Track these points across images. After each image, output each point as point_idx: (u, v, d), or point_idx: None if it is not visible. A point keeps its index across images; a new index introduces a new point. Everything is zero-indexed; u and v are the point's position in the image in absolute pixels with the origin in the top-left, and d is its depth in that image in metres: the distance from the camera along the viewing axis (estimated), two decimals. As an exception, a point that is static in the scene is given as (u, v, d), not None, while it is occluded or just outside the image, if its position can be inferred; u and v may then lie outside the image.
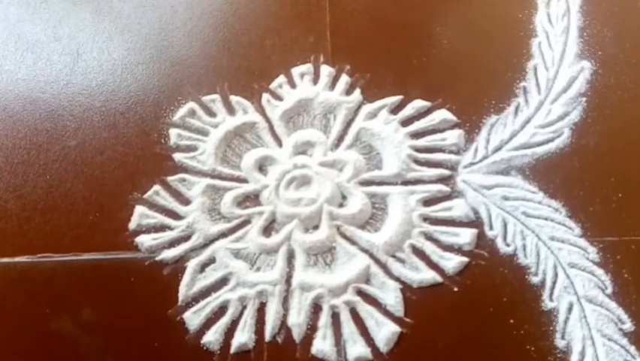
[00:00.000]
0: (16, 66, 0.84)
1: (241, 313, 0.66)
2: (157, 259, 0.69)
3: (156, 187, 0.73)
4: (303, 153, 0.76)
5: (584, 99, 0.77)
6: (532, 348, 0.63)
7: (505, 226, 0.69)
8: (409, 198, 0.71)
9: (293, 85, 0.81)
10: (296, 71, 0.82)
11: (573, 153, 0.73)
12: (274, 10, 0.89)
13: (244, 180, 0.74)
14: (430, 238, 0.69)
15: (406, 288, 0.67)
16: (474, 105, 0.77)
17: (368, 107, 0.78)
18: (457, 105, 0.77)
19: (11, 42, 0.86)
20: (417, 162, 0.74)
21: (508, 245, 0.68)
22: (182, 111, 0.79)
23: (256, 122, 0.78)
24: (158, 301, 0.67)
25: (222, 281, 0.68)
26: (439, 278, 0.67)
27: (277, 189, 0.72)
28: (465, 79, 0.80)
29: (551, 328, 0.63)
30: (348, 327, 0.65)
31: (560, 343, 0.62)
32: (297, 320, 0.65)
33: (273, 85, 0.81)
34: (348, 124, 0.78)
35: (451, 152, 0.75)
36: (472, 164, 0.73)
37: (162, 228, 0.71)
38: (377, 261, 0.68)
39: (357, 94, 0.79)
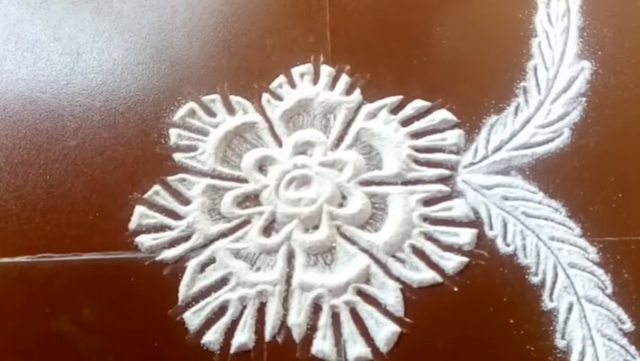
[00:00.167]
0: (16, 66, 0.84)
1: (241, 313, 0.66)
2: (157, 259, 0.69)
3: (156, 187, 0.73)
4: (303, 153, 0.76)
5: (584, 99, 0.77)
6: (532, 348, 0.63)
7: (505, 226, 0.69)
8: (409, 198, 0.71)
9: (293, 85, 0.81)
10: (296, 71, 0.82)
11: (573, 153, 0.73)
12: (274, 10, 0.89)
13: (244, 180, 0.74)
14: (430, 238, 0.69)
15: (406, 288, 0.67)
16: (474, 105, 0.77)
17: (368, 107, 0.78)
18: (457, 105, 0.77)
19: (11, 42, 0.86)
20: (417, 162, 0.74)
21: (508, 245, 0.68)
22: (182, 111, 0.79)
23: (256, 122, 0.78)
24: (158, 301, 0.67)
25: (222, 281, 0.68)
26: (439, 278, 0.67)
27: (277, 189, 0.72)
28: (465, 79, 0.80)
29: (551, 328, 0.63)
30: (348, 327, 0.65)
31: (560, 343, 0.62)
32: (297, 319, 0.65)
33: (273, 85, 0.81)
34: (348, 124, 0.78)
35: (451, 152, 0.75)
36: (472, 164, 0.73)
37: (162, 228, 0.71)
38: (377, 261, 0.68)
39: (357, 94, 0.79)
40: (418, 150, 0.75)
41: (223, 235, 0.70)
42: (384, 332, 0.64)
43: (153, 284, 0.67)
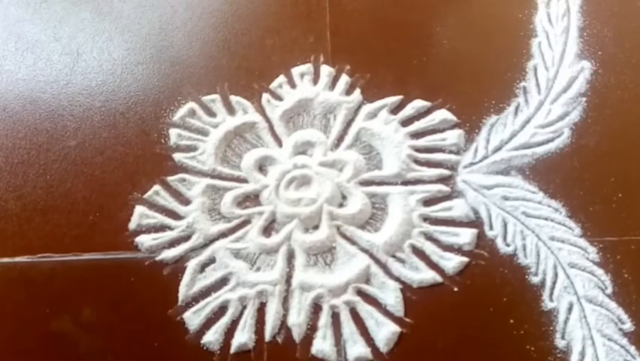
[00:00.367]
0: (16, 66, 0.84)
1: (241, 314, 0.66)
2: (157, 259, 0.69)
3: (156, 187, 0.73)
4: (303, 153, 0.76)
5: (584, 99, 0.77)
6: (532, 348, 0.63)
7: (505, 225, 0.69)
8: (409, 198, 0.71)
9: (293, 85, 0.81)
10: (296, 71, 0.82)
11: (573, 153, 0.73)
12: (274, 10, 0.89)
13: (244, 180, 0.74)
14: (430, 238, 0.69)
15: (406, 288, 0.67)
16: (474, 105, 0.77)
17: (368, 107, 0.78)
18: (457, 105, 0.77)
19: (11, 42, 0.86)
20: (417, 162, 0.74)
21: (508, 245, 0.68)
22: (182, 111, 0.79)
23: (256, 122, 0.78)
24: (158, 301, 0.67)
25: (222, 281, 0.68)
26: (439, 278, 0.67)
27: (277, 189, 0.72)
28: (465, 79, 0.80)
29: (551, 328, 0.63)
30: (348, 327, 0.65)
31: (560, 343, 0.62)
32: (297, 319, 0.65)
33: (273, 85, 0.81)
34: (348, 124, 0.78)
35: (451, 152, 0.75)
36: (472, 164, 0.73)
37: (162, 228, 0.71)
38: (377, 261, 0.68)
39: (357, 94, 0.79)
40: (418, 149, 0.75)
41: (223, 235, 0.70)
42: (384, 332, 0.64)
43: (153, 284, 0.67)
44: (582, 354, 0.62)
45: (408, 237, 0.69)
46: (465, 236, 0.69)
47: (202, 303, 0.66)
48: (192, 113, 0.79)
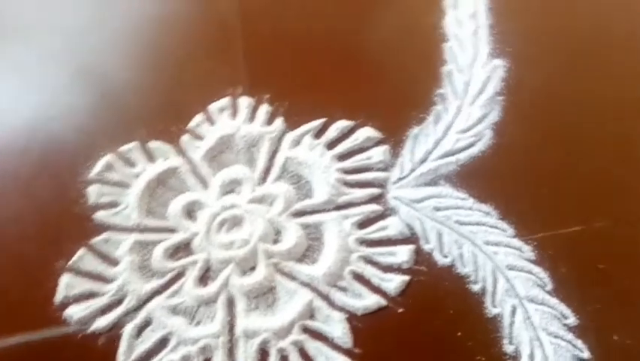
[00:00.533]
0: None
1: (187, 372, 0.64)
2: (90, 330, 0.65)
3: (80, 252, 0.70)
4: (230, 192, 0.74)
5: (501, 98, 0.78)
6: (483, 358, 0.62)
7: (440, 237, 0.69)
8: (344, 223, 0.70)
9: (212, 122, 0.79)
10: (214, 106, 0.80)
11: (496, 153, 0.74)
12: (184, 46, 0.87)
13: (173, 230, 0.71)
14: (369, 261, 0.69)
15: (352, 317, 0.65)
16: (396, 119, 0.77)
17: (291, 135, 0.77)
18: (380, 121, 0.77)
19: None
20: (346, 184, 0.73)
21: (445, 256, 0.68)
22: (99, 166, 0.76)
23: (178, 167, 0.75)
24: (97, 375, 0.63)
25: (162, 343, 0.65)
26: (382, 301, 0.66)
27: (208, 235, 0.70)
28: (384, 93, 0.80)
29: (498, 334, 0.63)
30: (299, 367, 0.63)
31: (508, 348, 0.62)
32: (245, 369, 0.63)
33: (192, 125, 0.79)
34: (273, 155, 0.76)
35: (378, 169, 0.74)
36: (400, 179, 0.73)
37: (92, 295, 0.68)
38: (319, 293, 0.67)
39: (278, 122, 0.78)
40: (347, 171, 0.74)
41: (157, 292, 0.68)
42: (335, 366, 0.63)
43: (88, 358, 0.64)
44: (531, 357, 0.62)
45: (347, 263, 0.68)
46: (402, 254, 0.68)
47: (144, 368, 0.64)
48: (110, 166, 0.76)
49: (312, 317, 0.66)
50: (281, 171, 0.75)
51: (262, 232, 0.70)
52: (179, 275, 0.69)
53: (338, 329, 0.65)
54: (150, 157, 0.76)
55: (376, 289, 0.67)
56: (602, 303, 0.64)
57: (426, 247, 0.69)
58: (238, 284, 0.67)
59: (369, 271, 0.68)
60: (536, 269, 0.66)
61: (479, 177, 0.72)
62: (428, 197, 0.71)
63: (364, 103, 0.78)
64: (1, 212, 0.73)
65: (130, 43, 0.87)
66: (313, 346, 0.64)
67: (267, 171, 0.75)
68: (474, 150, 0.74)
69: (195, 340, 0.64)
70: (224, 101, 0.80)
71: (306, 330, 0.65)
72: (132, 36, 0.90)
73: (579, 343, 0.62)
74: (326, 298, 0.67)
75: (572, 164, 0.73)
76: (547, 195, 0.71)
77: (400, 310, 0.66)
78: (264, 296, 0.67)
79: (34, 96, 0.83)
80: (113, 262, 0.69)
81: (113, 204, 0.73)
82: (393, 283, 0.67)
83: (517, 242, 0.68)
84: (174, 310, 0.66)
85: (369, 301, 0.66)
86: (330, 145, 0.76)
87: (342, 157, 0.76)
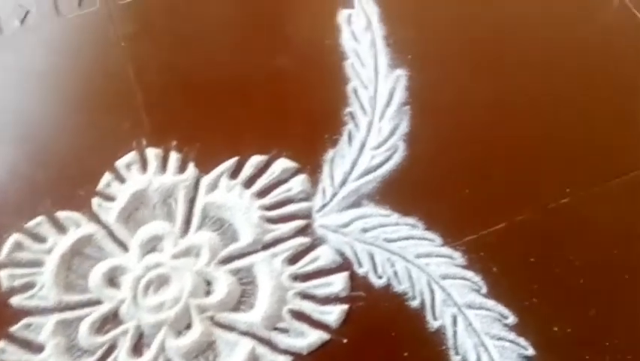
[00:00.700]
0: None
1: None
2: None
3: (1, 344, 0.65)
4: (153, 251, 0.71)
5: (408, 107, 0.78)
6: (432, 374, 0.62)
7: (372, 258, 0.69)
8: (274, 262, 0.69)
9: (122, 180, 0.76)
10: (121, 163, 0.77)
11: (412, 164, 0.74)
12: (81, 105, 0.83)
13: (97, 302, 0.68)
14: (305, 296, 0.67)
15: (297, 358, 0.64)
16: (309, 145, 0.76)
17: (207, 179, 0.75)
18: (293, 150, 0.76)
19: None
20: (270, 220, 0.72)
21: (380, 277, 0.67)
22: (6, 248, 0.71)
23: (92, 234, 0.72)
24: None
25: None
26: (325, 336, 0.65)
27: (135, 300, 0.67)
28: (293, 121, 0.79)
29: (444, 347, 0.63)
30: (252, 421, 0.61)
31: (455, 359, 0.63)
32: None
33: (100, 186, 0.75)
34: (192, 203, 0.74)
35: (300, 200, 0.73)
36: (324, 206, 0.72)
37: (20, 389, 0.63)
38: (261, 340, 0.65)
39: (191, 169, 0.76)
40: (268, 207, 0.73)
41: (90, 372, 0.64)
42: (288, 412, 0.61)
43: None
44: (478, 362, 0.62)
45: (284, 303, 0.67)
46: (338, 283, 0.67)
47: None
48: (19, 246, 0.71)
49: (256, 365, 0.64)
50: (202, 219, 0.73)
51: (192, 286, 0.67)
52: (111, 348, 0.65)
53: (285, 373, 0.63)
54: (60, 228, 0.72)
55: (318, 324, 0.66)
56: (537, 296, 0.65)
57: (360, 271, 0.68)
58: (175, 347, 0.64)
59: (308, 307, 0.67)
60: (469, 274, 0.67)
61: (399, 191, 0.72)
62: (354, 219, 0.71)
63: (275, 134, 0.77)
64: None
65: (22, 119, 0.82)
66: (263, 396, 0.62)
67: (187, 221, 0.73)
68: (390, 165, 0.74)
69: (138, 417, 0.61)
70: (131, 155, 0.77)
71: (253, 381, 0.63)
72: (17, 93, 0.84)
73: (521, 340, 0.63)
74: (268, 343, 0.65)
75: (486, 163, 0.74)
76: (469, 196, 0.71)
77: (345, 341, 0.65)
78: (204, 354, 0.65)
79: None
80: (38, 348, 0.65)
81: (28, 286, 0.69)
82: (333, 314, 0.66)
83: (446, 250, 0.69)
84: (111, 389, 0.63)
85: (312, 337, 0.65)
86: (248, 183, 0.75)
87: (262, 193, 0.74)
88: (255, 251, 0.70)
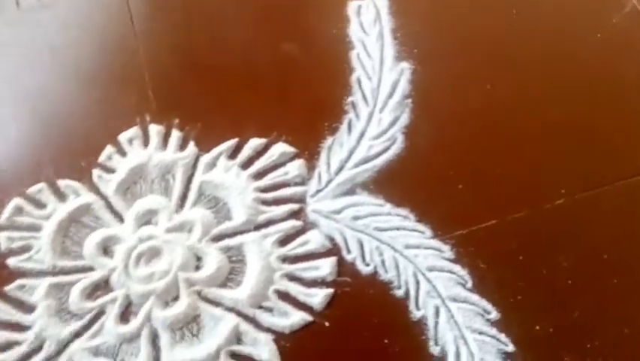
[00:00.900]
0: None
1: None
2: (7, 385, 0.62)
3: (-6, 303, 0.67)
4: (147, 223, 0.72)
5: (410, 100, 0.79)
6: (411, 363, 0.63)
7: (361, 245, 0.69)
8: (264, 243, 0.70)
9: (123, 153, 0.77)
10: (123, 137, 0.78)
11: (409, 156, 0.74)
12: (88, 77, 0.85)
13: (90, 269, 0.69)
14: (292, 278, 0.68)
15: (279, 337, 0.65)
16: (309, 131, 0.77)
17: (205, 158, 0.76)
18: (293, 135, 0.77)
19: None
20: (265, 202, 0.73)
21: (367, 265, 0.68)
22: (7, 211, 0.73)
23: (91, 203, 0.73)
24: None
25: (84, 388, 0.62)
26: (308, 317, 0.65)
27: (126, 270, 0.68)
28: (295, 107, 0.80)
29: (424, 336, 0.64)
30: (230, 396, 0.62)
31: (435, 350, 0.63)
32: (174, 404, 0.61)
33: (102, 158, 0.77)
34: (189, 180, 0.75)
35: (296, 184, 0.74)
36: (318, 191, 0.73)
37: (9, 345, 0.65)
38: (245, 317, 0.66)
39: (191, 147, 0.77)
40: (264, 190, 0.74)
41: (77, 334, 0.65)
42: (265, 390, 0.62)
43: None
44: (457, 355, 0.63)
45: (271, 283, 0.68)
46: (325, 267, 0.68)
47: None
48: (19, 210, 0.73)
49: (239, 341, 0.65)
50: (197, 196, 0.74)
51: (182, 260, 0.68)
52: (99, 314, 0.67)
53: (265, 351, 0.64)
54: (60, 196, 0.74)
55: (302, 306, 0.67)
56: (522, 294, 0.65)
57: (348, 257, 0.69)
58: (161, 317, 0.66)
59: (294, 288, 0.67)
60: (456, 268, 0.67)
61: (394, 182, 0.73)
62: (346, 207, 0.72)
63: (276, 118, 0.78)
64: None
65: (29, 84, 0.84)
66: (242, 371, 0.63)
67: (183, 197, 0.74)
68: (388, 155, 0.75)
69: (119, 381, 0.62)
70: (134, 130, 0.79)
71: (233, 356, 0.64)
72: (31, 68, 0.87)
73: (502, 336, 0.63)
74: (252, 320, 0.66)
75: (482, 160, 0.74)
76: (463, 192, 0.72)
77: (327, 324, 0.65)
78: (188, 326, 0.66)
79: None
80: (30, 309, 0.67)
81: (25, 249, 0.71)
82: (318, 297, 0.66)
83: (435, 243, 0.69)
84: (96, 352, 0.64)
85: (295, 318, 0.65)
86: (246, 164, 0.76)
87: (259, 175, 0.75)
88: (247, 231, 0.71)
